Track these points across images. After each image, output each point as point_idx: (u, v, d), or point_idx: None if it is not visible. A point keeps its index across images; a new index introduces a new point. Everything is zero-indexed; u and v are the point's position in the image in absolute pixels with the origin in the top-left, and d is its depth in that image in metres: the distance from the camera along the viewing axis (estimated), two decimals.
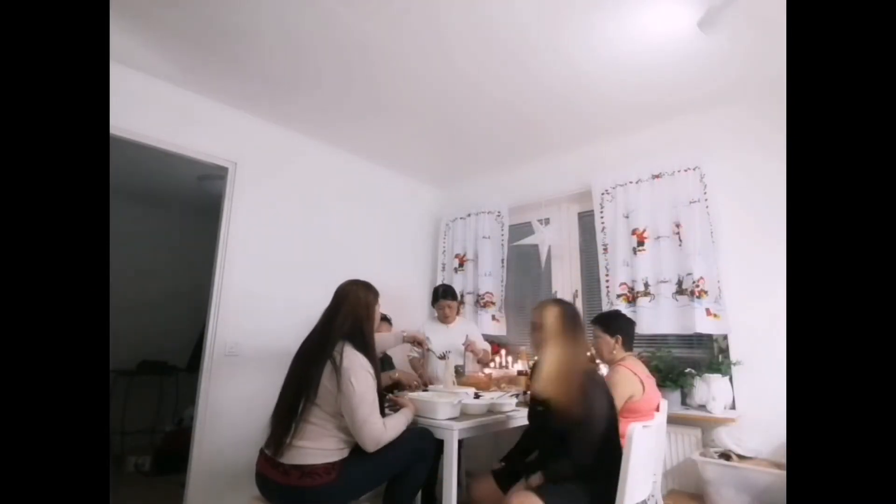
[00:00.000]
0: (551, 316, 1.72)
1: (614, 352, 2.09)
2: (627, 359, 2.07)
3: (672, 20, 1.96)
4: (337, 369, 1.60)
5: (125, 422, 3.99)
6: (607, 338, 2.10)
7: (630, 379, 1.96)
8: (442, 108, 2.72)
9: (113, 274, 3.34)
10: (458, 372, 2.35)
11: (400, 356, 3.00)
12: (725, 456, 2.12)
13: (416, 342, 2.35)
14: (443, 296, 2.84)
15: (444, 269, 3.78)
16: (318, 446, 1.58)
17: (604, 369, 2.47)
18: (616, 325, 2.13)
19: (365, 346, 1.72)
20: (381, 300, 2.02)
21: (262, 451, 1.68)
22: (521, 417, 2.01)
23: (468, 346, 2.67)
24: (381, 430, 1.60)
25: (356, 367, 1.61)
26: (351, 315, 1.76)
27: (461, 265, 3.64)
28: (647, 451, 1.60)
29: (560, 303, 1.80)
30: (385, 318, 2.76)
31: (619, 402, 1.94)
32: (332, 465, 1.57)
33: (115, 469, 3.54)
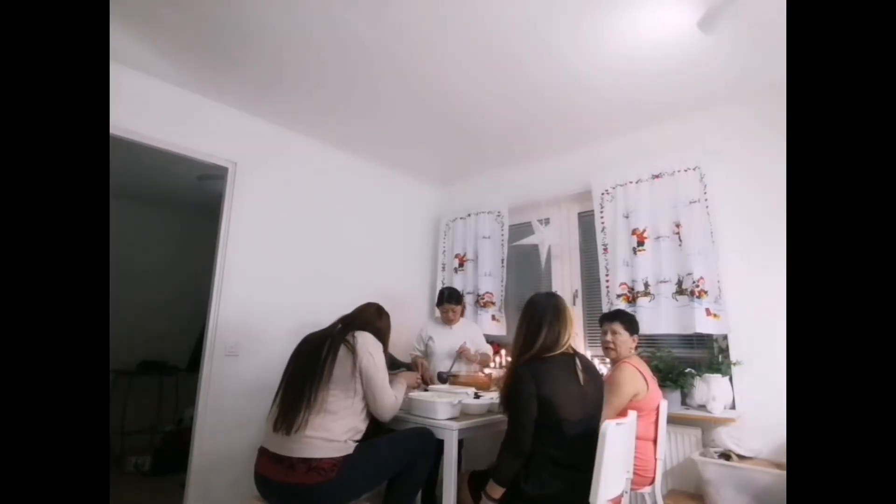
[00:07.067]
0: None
1: (632, 350, 2.14)
2: (633, 357, 2.10)
3: (672, 20, 1.95)
4: (353, 350, 1.74)
5: (125, 422, 3.99)
6: (627, 335, 2.14)
7: (636, 377, 1.98)
8: (442, 108, 2.72)
9: (113, 274, 3.35)
10: (446, 377, 2.44)
11: (403, 358, 2.99)
12: (725, 456, 2.12)
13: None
14: (447, 299, 2.86)
15: (444, 269, 3.77)
16: (328, 437, 1.60)
17: (603, 368, 2.47)
18: (636, 324, 2.20)
19: (380, 337, 1.92)
20: (381, 299, 2.04)
21: (262, 451, 1.68)
22: None
23: (461, 351, 2.72)
24: (394, 400, 1.80)
25: (370, 343, 1.80)
26: (370, 325, 1.94)
27: (461, 265, 3.64)
28: (621, 447, 1.62)
29: (526, 302, 1.80)
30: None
31: (623, 400, 1.95)
32: (337, 461, 1.58)
33: (115, 469, 3.54)
